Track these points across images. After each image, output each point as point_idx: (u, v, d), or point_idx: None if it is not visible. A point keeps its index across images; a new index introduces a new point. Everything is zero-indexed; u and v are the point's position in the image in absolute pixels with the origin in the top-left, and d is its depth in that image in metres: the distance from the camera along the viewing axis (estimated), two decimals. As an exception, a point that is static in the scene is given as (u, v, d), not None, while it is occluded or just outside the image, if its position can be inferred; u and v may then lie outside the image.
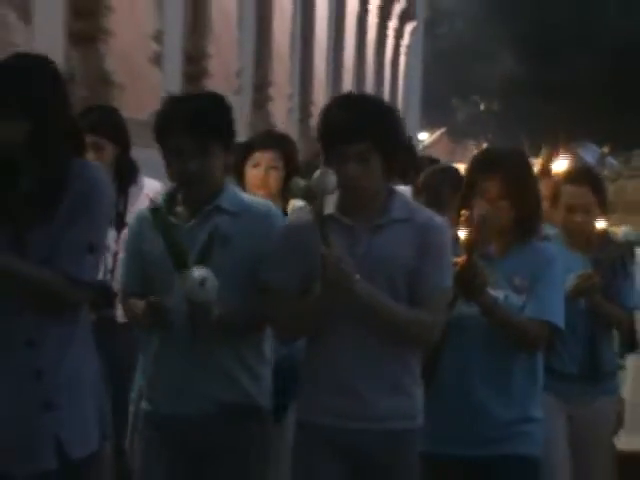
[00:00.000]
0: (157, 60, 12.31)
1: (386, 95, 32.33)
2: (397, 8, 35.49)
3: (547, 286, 5.47)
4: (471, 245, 5.22)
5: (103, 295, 6.25)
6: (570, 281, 6.26)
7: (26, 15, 9.76)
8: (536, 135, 37.11)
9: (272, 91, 17.90)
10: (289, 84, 19.45)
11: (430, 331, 4.96)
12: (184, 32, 13.55)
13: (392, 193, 5.04)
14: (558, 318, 5.45)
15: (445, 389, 5.41)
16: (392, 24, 35.30)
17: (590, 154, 41.55)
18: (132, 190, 6.77)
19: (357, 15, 28.60)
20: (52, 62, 4.56)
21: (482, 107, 50.06)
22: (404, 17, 36.72)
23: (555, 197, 6.82)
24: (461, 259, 5.21)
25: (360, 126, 4.85)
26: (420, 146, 24.95)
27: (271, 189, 6.73)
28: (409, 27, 37.97)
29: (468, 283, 5.21)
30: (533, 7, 42.35)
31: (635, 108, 38.35)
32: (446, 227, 5.06)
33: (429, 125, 45.07)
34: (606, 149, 37.53)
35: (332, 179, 4.90)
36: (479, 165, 5.63)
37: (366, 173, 4.87)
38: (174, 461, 5.23)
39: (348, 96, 5.26)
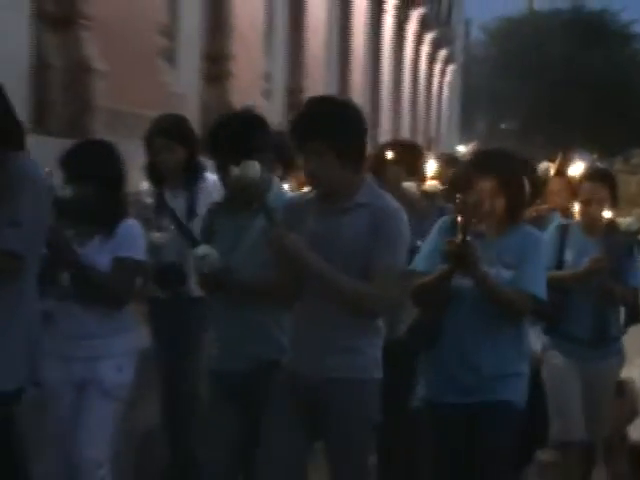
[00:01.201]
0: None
1: (433, 118, 35.93)
2: (442, 53, 37.40)
3: (532, 263, 5.50)
4: (465, 227, 5.26)
5: (176, 274, 6.44)
6: (585, 264, 6.58)
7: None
8: (548, 146, 38.76)
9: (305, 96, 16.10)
10: (324, 91, 17.62)
11: (376, 303, 4.86)
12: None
13: (363, 182, 4.96)
14: (540, 290, 5.48)
15: (444, 349, 5.50)
16: (438, 66, 37.43)
17: (585, 159, 44.93)
18: (201, 186, 6.57)
19: (393, 34, 26.95)
20: None
21: (503, 126, 54.36)
22: (446, 59, 39.18)
23: (574, 192, 7.30)
24: (457, 239, 5.30)
25: (312, 126, 4.82)
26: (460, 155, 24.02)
27: None
28: (450, 68, 40.81)
29: (463, 258, 5.28)
30: (542, 66, 48.15)
31: (612, 127, 47.44)
32: (401, 213, 4.92)
33: (465, 140, 46.11)
34: (595, 155, 38.99)
35: (254, 170, 5.11)
36: (475, 163, 5.71)
37: (320, 166, 4.81)
38: (230, 407, 5.32)
39: (310, 99, 5.07)
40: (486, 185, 5.47)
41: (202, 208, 6.20)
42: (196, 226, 6.15)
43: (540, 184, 7.43)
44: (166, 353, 6.64)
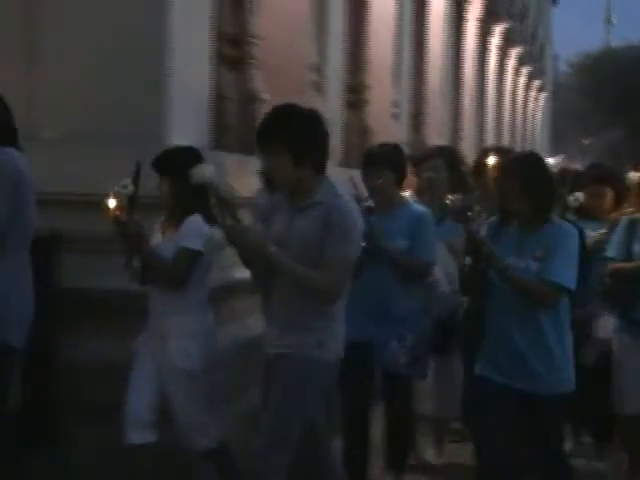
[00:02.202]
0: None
1: (529, 135, 36.02)
2: (536, 83, 37.43)
3: (558, 254, 5.09)
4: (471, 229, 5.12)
5: None
6: None
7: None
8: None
9: (426, 118, 16.46)
10: (441, 114, 17.77)
11: (324, 289, 4.69)
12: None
13: (322, 182, 4.75)
14: (564, 279, 5.08)
15: (491, 337, 5.23)
16: (532, 94, 37.55)
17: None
18: None
19: (496, 67, 26.86)
20: None
21: (586, 142, 54.57)
22: (539, 88, 39.17)
23: None
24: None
25: (269, 130, 4.69)
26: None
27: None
28: (542, 95, 40.54)
29: (477, 252, 5.07)
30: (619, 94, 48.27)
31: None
32: (350, 209, 4.73)
33: (554, 154, 46.41)
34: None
35: (207, 170, 5.16)
36: (502, 167, 5.39)
37: (276, 166, 4.69)
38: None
39: (274, 107, 4.86)
40: (509, 186, 5.15)
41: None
42: None
43: (624, 190, 7.01)
44: None
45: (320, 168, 4.74)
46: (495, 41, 25.85)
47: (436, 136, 16.01)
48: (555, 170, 8.21)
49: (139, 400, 5.27)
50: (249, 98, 8.14)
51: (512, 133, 30.29)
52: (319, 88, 10.25)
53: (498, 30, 25.60)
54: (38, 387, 6.12)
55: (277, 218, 4.84)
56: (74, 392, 6.08)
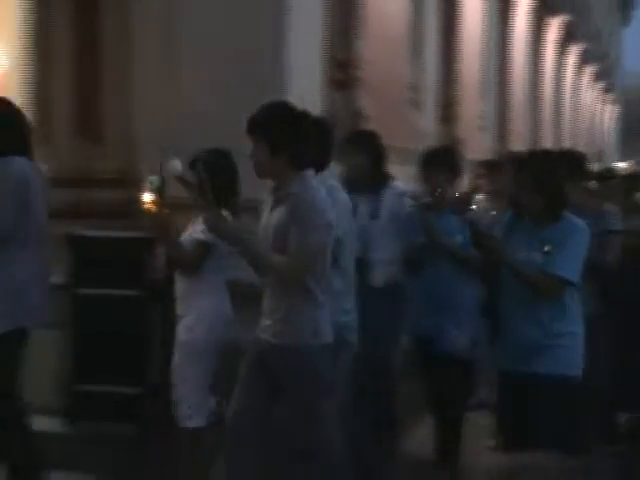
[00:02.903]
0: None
1: (601, 142, 34.70)
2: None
3: (564, 249, 4.72)
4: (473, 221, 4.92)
5: (359, 267, 5.42)
6: None
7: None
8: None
9: (510, 129, 16.27)
10: (523, 124, 17.65)
11: (286, 273, 4.40)
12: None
13: (298, 176, 4.45)
14: (567, 273, 4.72)
15: (503, 324, 4.88)
16: (606, 107, 38.18)
17: None
18: (387, 191, 5.88)
19: (572, 87, 26.08)
20: None
21: None
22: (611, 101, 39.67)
23: None
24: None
25: (251, 123, 4.44)
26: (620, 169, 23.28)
27: None
28: (613, 108, 40.80)
29: (480, 244, 4.83)
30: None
31: None
32: (316, 202, 4.40)
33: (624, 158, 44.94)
34: None
35: (174, 164, 4.96)
36: (516, 163, 5.03)
37: (256, 155, 4.43)
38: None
39: (264, 103, 4.58)
40: (522, 181, 4.80)
41: (383, 211, 5.80)
42: (376, 226, 5.72)
43: None
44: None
45: (300, 163, 4.47)
46: (572, 59, 25.52)
47: (519, 145, 15.83)
48: (626, 172, 8.09)
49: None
50: (355, 115, 8.17)
51: (587, 140, 29.92)
52: (416, 104, 10.25)
53: (575, 49, 25.28)
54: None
55: (265, 210, 4.59)
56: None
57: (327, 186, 4.86)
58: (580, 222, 4.80)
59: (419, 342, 5.83)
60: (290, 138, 4.43)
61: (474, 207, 5.21)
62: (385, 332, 5.75)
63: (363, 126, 7.87)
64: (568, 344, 4.76)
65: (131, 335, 6.06)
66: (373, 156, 5.86)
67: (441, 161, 5.85)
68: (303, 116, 4.53)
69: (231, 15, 6.72)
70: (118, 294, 6.06)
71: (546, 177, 4.78)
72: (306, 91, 7.01)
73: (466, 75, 12.52)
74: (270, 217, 4.45)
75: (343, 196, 5.08)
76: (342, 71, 8.11)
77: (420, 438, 6.26)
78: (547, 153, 5.18)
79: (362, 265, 5.56)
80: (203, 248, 5.11)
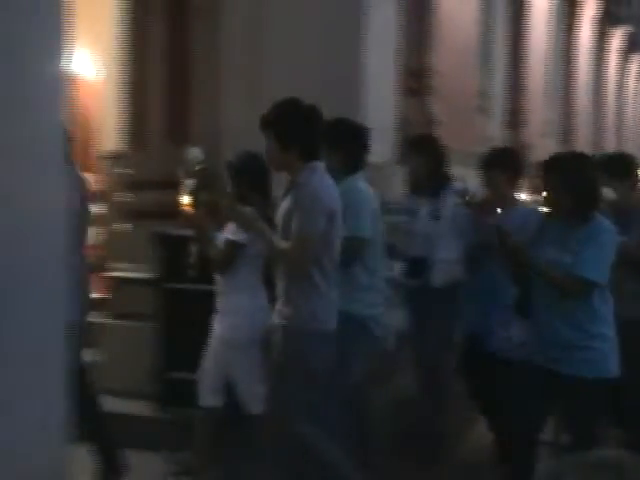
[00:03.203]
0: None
1: None
2: None
3: (589, 249, 4.48)
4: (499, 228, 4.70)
5: (417, 265, 5.64)
6: None
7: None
8: None
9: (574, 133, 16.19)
10: (587, 132, 17.40)
11: (288, 259, 4.44)
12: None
13: (307, 167, 4.45)
14: (592, 274, 4.49)
15: (537, 320, 4.68)
16: None
17: None
18: (448, 192, 5.77)
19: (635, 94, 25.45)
20: None
21: None
22: None
23: None
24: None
25: (263, 120, 4.53)
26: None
27: None
28: None
29: (504, 245, 4.65)
30: None
31: None
32: (314, 191, 4.39)
33: None
34: None
35: (194, 152, 5.11)
36: (545, 164, 4.73)
37: (267, 148, 4.52)
38: None
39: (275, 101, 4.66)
40: (551, 182, 4.58)
41: (444, 211, 5.71)
42: (437, 227, 5.67)
43: None
44: (415, 334, 5.86)
45: (309, 155, 4.48)
46: (634, 67, 25.18)
47: (582, 148, 15.71)
48: None
49: (209, 369, 5.18)
50: (427, 121, 8.24)
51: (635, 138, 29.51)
52: (484, 111, 10.24)
53: (637, 58, 24.97)
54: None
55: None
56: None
57: (355, 187, 5.00)
58: (607, 223, 4.58)
59: (468, 340, 5.69)
60: (298, 132, 4.45)
61: (499, 210, 5.08)
62: (440, 332, 5.72)
63: (434, 131, 7.92)
64: (598, 346, 4.54)
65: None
66: (434, 159, 5.78)
67: (501, 162, 5.69)
68: (311, 112, 4.52)
69: (312, 29, 6.82)
70: (204, 288, 6.17)
71: (573, 177, 4.54)
72: (381, 98, 7.10)
73: (532, 83, 12.46)
74: (280, 207, 4.50)
75: (370, 198, 5.08)
76: (415, 80, 8.19)
77: (476, 438, 6.20)
78: (576, 154, 4.94)
79: (423, 265, 5.61)
80: (233, 247, 5.08)
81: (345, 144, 5.11)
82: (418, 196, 5.77)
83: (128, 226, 6.87)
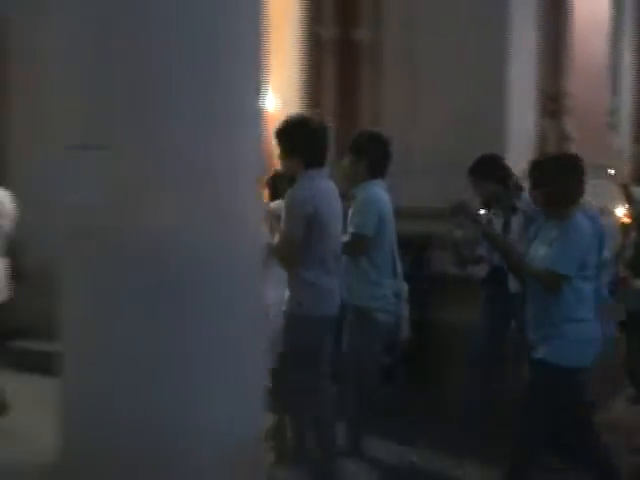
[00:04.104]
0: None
1: None
2: None
3: (561, 244, 4.20)
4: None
5: (497, 273, 5.38)
6: None
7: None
8: None
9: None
10: None
11: (275, 255, 4.48)
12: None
13: (304, 174, 4.43)
14: (560, 266, 4.18)
15: (528, 314, 4.35)
16: None
17: None
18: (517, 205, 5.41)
19: None
20: None
21: None
22: None
23: None
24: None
25: (274, 133, 4.50)
26: None
27: None
28: None
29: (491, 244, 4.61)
30: None
31: None
32: (295, 195, 4.38)
33: None
34: None
35: None
36: (529, 165, 4.46)
37: (280, 159, 4.53)
38: None
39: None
40: (531, 182, 4.38)
41: (514, 224, 5.39)
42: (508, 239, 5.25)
43: None
44: (487, 334, 5.61)
45: (308, 163, 4.45)
46: None
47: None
48: None
49: None
50: (562, 138, 8.12)
51: None
52: (613, 127, 10.02)
53: None
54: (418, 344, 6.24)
55: None
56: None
57: (368, 191, 4.99)
58: (580, 220, 4.28)
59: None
60: (299, 143, 4.43)
61: (481, 212, 4.92)
62: (501, 333, 5.55)
63: (568, 148, 7.82)
64: (573, 331, 4.21)
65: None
66: (502, 176, 5.52)
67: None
68: (313, 124, 4.49)
69: (462, 57, 6.83)
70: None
71: (543, 178, 4.32)
72: (523, 119, 7.05)
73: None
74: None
75: (381, 201, 5.05)
76: (553, 102, 8.09)
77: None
78: (557, 156, 4.64)
79: (503, 273, 5.35)
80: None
81: (367, 153, 5.10)
82: (489, 211, 5.54)
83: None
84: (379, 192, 5.08)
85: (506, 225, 5.46)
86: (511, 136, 6.71)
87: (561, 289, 4.21)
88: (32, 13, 7.35)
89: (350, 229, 4.92)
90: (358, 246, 4.97)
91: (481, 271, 5.69)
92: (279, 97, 8.11)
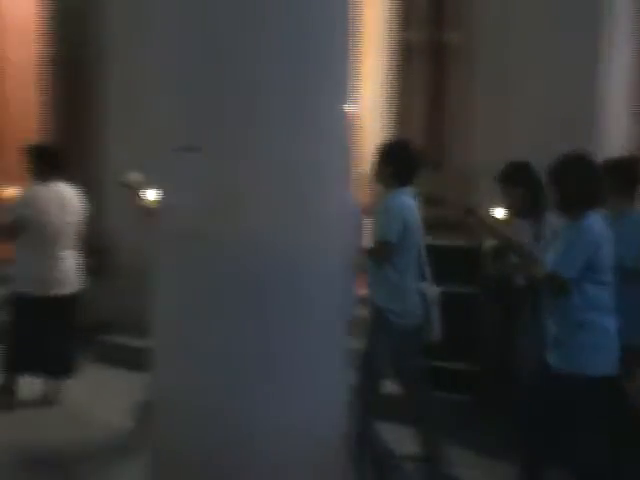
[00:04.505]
0: None
1: None
2: None
3: (564, 246, 4.12)
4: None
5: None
6: None
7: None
8: None
9: None
10: None
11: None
12: None
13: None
14: (561, 269, 4.09)
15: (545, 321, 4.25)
16: None
17: None
18: (547, 214, 5.15)
19: None
20: None
21: None
22: None
23: None
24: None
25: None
26: None
27: None
28: None
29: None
30: None
31: None
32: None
33: None
34: None
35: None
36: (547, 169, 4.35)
37: None
38: None
39: None
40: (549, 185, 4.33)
41: (544, 232, 5.19)
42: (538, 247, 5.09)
43: None
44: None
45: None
46: None
47: None
48: None
49: None
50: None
51: None
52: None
53: None
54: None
55: None
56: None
57: (394, 198, 5.13)
58: (590, 222, 4.16)
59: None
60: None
61: (496, 213, 5.08)
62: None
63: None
64: (588, 339, 4.13)
65: (471, 326, 6.27)
66: (533, 185, 5.33)
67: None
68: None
69: (554, 58, 6.74)
70: (459, 291, 6.23)
71: (558, 179, 4.26)
72: (616, 122, 6.95)
73: None
74: None
75: (407, 209, 5.15)
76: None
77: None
78: (573, 156, 4.44)
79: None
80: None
81: (394, 161, 5.20)
82: (522, 219, 5.41)
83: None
84: (405, 200, 5.18)
85: (537, 232, 5.33)
86: (604, 139, 6.60)
87: (568, 292, 4.11)
88: (130, 15, 7.53)
89: (374, 236, 5.12)
90: (381, 252, 5.13)
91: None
92: (367, 100, 8.13)
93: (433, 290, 5.30)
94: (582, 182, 4.22)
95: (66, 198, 6.28)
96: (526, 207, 5.38)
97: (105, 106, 8.27)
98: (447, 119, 7.13)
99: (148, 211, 5.39)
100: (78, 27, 8.57)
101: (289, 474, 3.37)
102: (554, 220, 4.84)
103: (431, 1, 7.34)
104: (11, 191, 6.64)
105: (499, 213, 5.25)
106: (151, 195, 5.49)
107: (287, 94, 3.36)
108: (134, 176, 5.63)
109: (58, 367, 6.33)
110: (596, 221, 4.20)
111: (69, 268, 6.29)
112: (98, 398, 6.38)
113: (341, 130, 3.63)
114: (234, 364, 3.29)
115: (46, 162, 6.25)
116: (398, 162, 5.21)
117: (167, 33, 3.49)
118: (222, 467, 3.32)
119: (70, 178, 6.37)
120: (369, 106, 8.11)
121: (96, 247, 6.92)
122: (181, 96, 3.42)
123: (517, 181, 5.38)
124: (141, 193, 5.56)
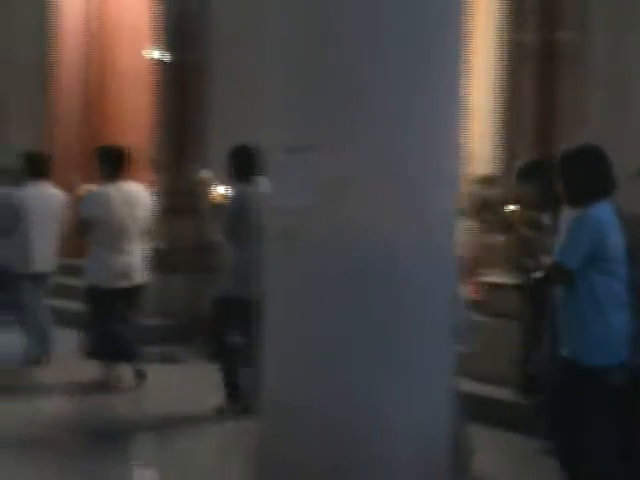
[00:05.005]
0: None
1: None
2: None
3: (566, 237, 4.13)
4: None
5: None
6: None
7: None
8: None
9: None
10: None
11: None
12: None
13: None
14: (563, 259, 4.12)
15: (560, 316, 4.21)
16: None
17: None
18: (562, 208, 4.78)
19: None
20: None
21: None
22: None
23: None
24: None
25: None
26: None
27: None
28: None
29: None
30: None
31: None
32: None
33: None
34: None
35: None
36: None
37: None
38: None
39: None
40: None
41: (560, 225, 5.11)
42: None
43: None
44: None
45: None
46: None
47: None
48: None
49: None
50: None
51: None
52: None
53: None
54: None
55: None
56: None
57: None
58: (594, 212, 4.17)
59: None
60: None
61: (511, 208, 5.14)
62: None
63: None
64: (601, 330, 4.12)
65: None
66: (543, 182, 5.33)
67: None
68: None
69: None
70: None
71: (564, 171, 4.30)
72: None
73: None
74: None
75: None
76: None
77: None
78: (569, 150, 4.44)
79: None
80: None
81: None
82: (541, 212, 5.48)
83: (498, 238, 6.99)
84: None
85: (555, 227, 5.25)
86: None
87: (572, 282, 4.13)
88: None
89: None
90: None
91: None
92: (478, 100, 8.06)
93: None
94: (587, 173, 4.24)
95: (134, 197, 6.72)
96: (543, 200, 5.40)
97: (210, 109, 8.43)
98: (559, 120, 7.02)
99: (215, 206, 5.98)
100: (187, 31, 8.75)
101: (397, 472, 3.36)
102: (567, 213, 4.82)
103: (544, 0, 7.26)
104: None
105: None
106: (220, 190, 6.07)
107: (399, 94, 3.39)
108: (205, 174, 6.23)
109: (129, 352, 6.83)
110: (603, 211, 4.20)
111: (136, 262, 6.74)
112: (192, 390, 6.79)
113: (453, 130, 3.61)
114: (349, 363, 3.30)
115: (114, 163, 6.70)
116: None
117: (278, 36, 3.54)
118: (331, 463, 3.33)
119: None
120: (479, 106, 8.05)
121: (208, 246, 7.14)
122: (291, 97, 3.45)
123: (533, 177, 5.54)
124: (212, 189, 6.09)
